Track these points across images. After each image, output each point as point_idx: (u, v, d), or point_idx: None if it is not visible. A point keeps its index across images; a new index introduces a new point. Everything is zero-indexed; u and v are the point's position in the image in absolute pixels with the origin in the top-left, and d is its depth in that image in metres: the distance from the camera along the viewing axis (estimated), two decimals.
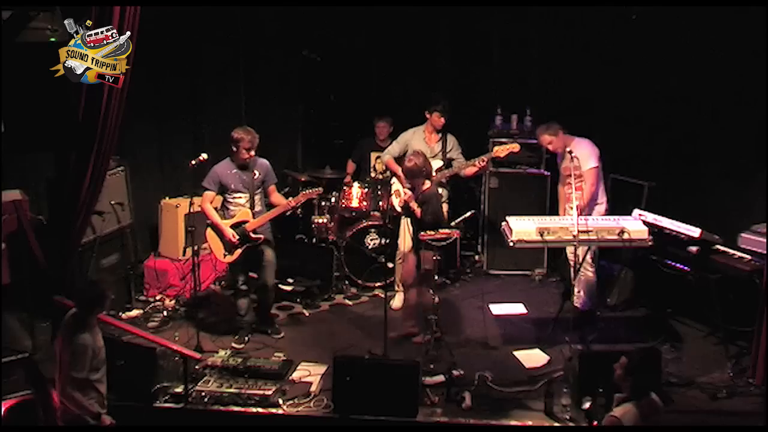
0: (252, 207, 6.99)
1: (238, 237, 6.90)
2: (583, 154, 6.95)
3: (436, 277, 6.86)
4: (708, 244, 6.77)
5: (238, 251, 6.97)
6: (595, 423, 5.46)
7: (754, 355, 6.38)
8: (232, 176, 6.95)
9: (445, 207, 7.73)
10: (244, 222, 6.96)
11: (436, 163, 7.67)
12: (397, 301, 7.79)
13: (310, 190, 7.22)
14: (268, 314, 7.34)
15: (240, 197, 6.98)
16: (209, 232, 7.02)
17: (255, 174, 6.99)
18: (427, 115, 7.67)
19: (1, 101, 6.17)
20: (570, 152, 6.84)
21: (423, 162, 6.88)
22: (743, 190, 7.34)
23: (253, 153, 6.91)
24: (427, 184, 6.90)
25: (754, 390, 6.23)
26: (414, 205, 6.84)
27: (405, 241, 7.67)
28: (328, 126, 9.56)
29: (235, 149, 6.88)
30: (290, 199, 7.16)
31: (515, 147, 7.62)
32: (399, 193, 7.67)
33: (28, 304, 6.73)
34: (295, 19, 9.03)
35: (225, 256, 6.99)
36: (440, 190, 7.67)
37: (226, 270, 8.37)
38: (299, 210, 8.09)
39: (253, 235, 6.96)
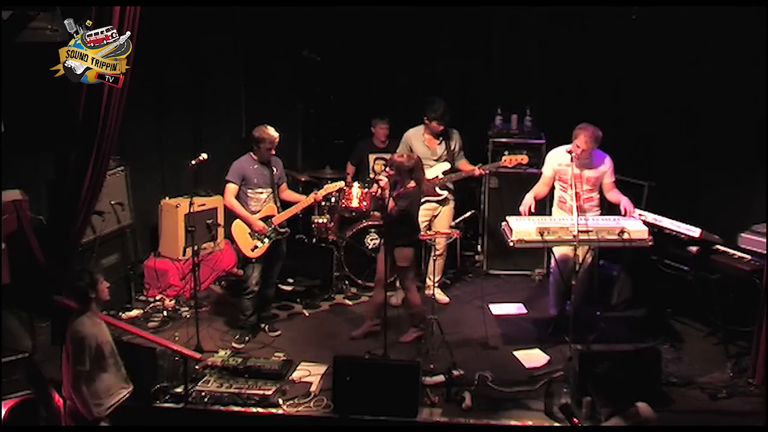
0: (275, 202, 7.11)
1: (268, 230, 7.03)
2: (610, 170, 7.03)
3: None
4: (708, 244, 6.78)
5: (266, 245, 7.04)
6: (576, 420, 5.46)
7: (754, 355, 6.38)
8: (255, 171, 7.04)
9: (448, 211, 7.76)
10: (270, 216, 7.07)
11: (443, 166, 7.69)
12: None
13: (333, 184, 7.35)
14: (270, 308, 7.39)
15: (262, 192, 7.07)
16: (236, 226, 7.07)
17: (274, 170, 7.11)
18: (426, 121, 7.65)
19: (1, 101, 6.16)
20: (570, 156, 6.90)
21: (412, 163, 6.84)
22: (743, 190, 7.34)
23: (274, 151, 7.03)
24: (412, 184, 6.87)
25: (754, 390, 6.23)
26: (386, 194, 6.83)
27: None
28: (328, 126, 9.56)
29: (257, 147, 6.99)
30: (314, 192, 7.26)
31: (524, 159, 7.72)
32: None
33: (28, 304, 6.73)
34: (295, 19, 9.02)
35: (253, 250, 7.03)
36: (446, 193, 7.70)
37: (226, 270, 8.39)
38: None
39: (280, 230, 7.08)
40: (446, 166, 7.70)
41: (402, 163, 6.84)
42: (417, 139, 7.71)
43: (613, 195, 7.06)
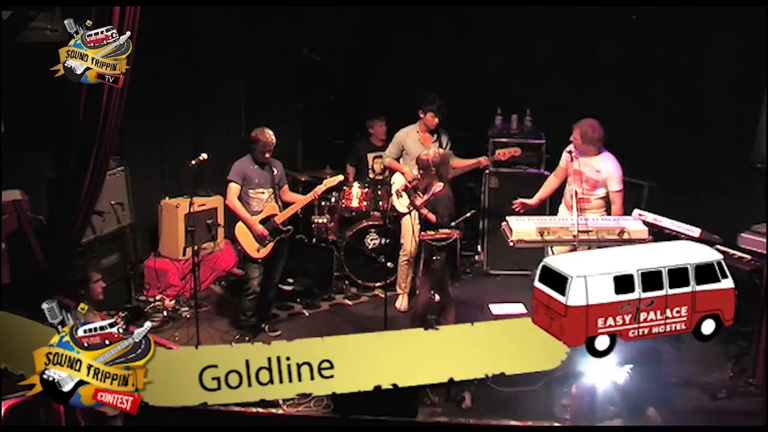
0: (276, 202, 7.14)
1: (268, 231, 7.03)
2: (614, 176, 6.84)
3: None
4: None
5: (270, 245, 7.08)
6: None
7: (754, 355, 6.38)
8: (255, 171, 7.07)
9: None
10: (273, 215, 7.09)
11: None
12: (402, 303, 7.78)
13: (332, 178, 7.36)
14: (270, 308, 7.40)
15: (263, 192, 7.09)
16: (240, 227, 7.08)
17: (274, 170, 7.14)
18: (421, 115, 7.62)
19: (1, 101, 6.16)
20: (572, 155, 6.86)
21: (438, 159, 6.78)
22: (743, 190, 7.34)
23: (269, 154, 7.05)
24: (440, 186, 6.77)
25: (754, 390, 6.23)
26: (425, 212, 6.77)
27: (409, 241, 7.67)
28: (327, 126, 9.56)
29: (252, 148, 7.03)
30: (317, 188, 7.26)
31: (516, 151, 7.73)
32: (400, 193, 7.66)
33: (28, 304, 6.72)
34: (295, 19, 9.02)
35: (258, 251, 7.06)
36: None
37: (226, 270, 8.40)
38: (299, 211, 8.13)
39: (283, 228, 7.11)
40: None
41: (427, 160, 6.75)
42: (411, 137, 7.66)
43: (614, 209, 6.87)
